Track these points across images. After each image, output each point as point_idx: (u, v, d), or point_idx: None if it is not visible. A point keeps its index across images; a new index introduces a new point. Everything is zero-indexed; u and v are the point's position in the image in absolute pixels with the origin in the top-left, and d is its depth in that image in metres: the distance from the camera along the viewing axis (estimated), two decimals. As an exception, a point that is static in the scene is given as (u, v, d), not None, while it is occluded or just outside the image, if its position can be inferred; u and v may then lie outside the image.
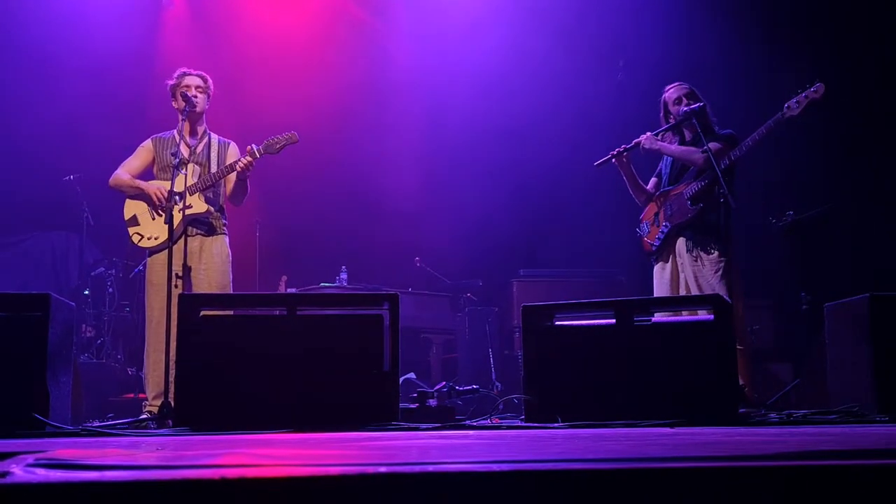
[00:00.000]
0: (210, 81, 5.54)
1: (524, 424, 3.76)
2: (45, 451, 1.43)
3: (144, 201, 5.35)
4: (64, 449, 1.64)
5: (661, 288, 5.32)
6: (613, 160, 5.44)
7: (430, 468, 1.09)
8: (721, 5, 8.20)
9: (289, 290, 8.55)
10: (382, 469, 1.07)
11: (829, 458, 1.22)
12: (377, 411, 3.66)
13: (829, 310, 4.65)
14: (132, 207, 5.41)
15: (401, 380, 3.91)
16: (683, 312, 4.86)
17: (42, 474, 1.04)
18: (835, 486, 1.17)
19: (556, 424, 3.64)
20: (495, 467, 1.09)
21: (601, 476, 1.10)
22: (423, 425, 3.70)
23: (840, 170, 7.42)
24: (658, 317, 4.36)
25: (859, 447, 1.55)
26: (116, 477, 1.01)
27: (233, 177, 5.39)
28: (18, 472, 1.05)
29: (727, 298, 4.26)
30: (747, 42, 7.95)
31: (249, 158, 5.25)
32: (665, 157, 5.49)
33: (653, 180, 5.59)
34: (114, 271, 8.26)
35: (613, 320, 3.98)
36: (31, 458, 1.23)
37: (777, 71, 7.25)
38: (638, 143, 5.39)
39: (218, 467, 1.11)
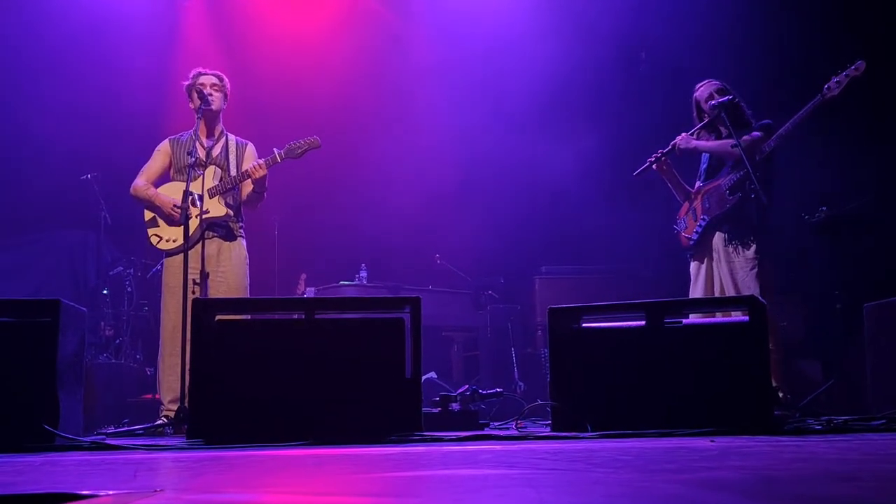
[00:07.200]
0: (226, 80, 5.47)
1: (552, 434, 3.60)
2: None
3: (161, 217, 5.26)
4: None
5: (696, 286, 5.17)
6: (654, 167, 5.28)
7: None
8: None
9: (308, 289, 8.46)
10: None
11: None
12: (399, 420, 3.52)
13: (868, 310, 4.47)
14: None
15: (422, 379, 3.76)
16: (717, 314, 4.69)
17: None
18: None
19: (585, 434, 3.49)
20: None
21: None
22: (448, 435, 3.56)
23: (876, 164, 7.17)
24: (691, 318, 4.19)
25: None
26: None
27: (249, 181, 5.30)
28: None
29: (760, 297, 4.10)
30: (783, 21, 7.70)
31: (263, 169, 5.14)
32: (703, 154, 5.33)
33: (697, 183, 5.41)
34: (132, 270, 8.22)
35: (643, 322, 3.81)
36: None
37: (815, 53, 6.98)
38: (674, 146, 5.24)
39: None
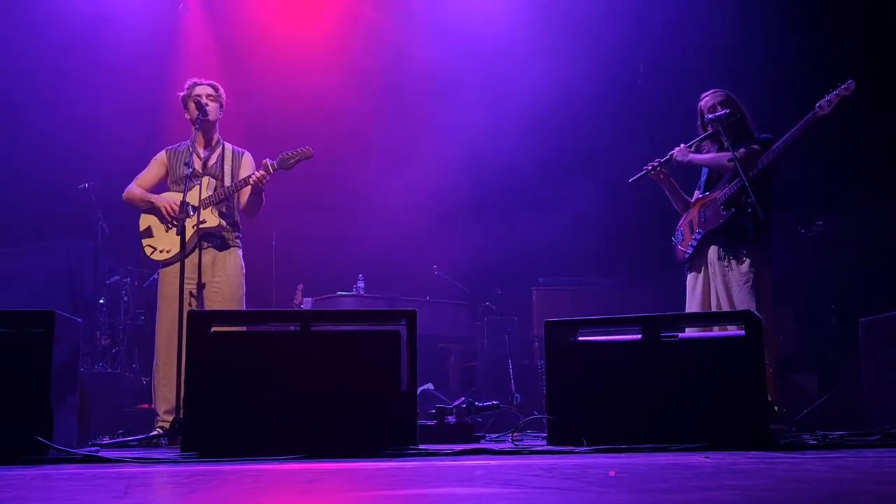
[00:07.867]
0: (221, 90, 5.45)
1: (547, 449, 3.59)
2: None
3: (156, 215, 5.26)
4: None
5: (692, 300, 5.15)
6: (651, 174, 5.27)
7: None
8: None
9: (305, 299, 8.45)
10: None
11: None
12: (394, 433, 3.51)
13: (864, 324, 4.47)
14: (147, 219, 5.34)
15: (418, 390, 3.75)
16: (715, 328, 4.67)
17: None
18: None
19: (580, 448, 3.48)
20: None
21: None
22: (443, 448, 3.56)
23: (873, 177, 7.17)
24: (687, 331, 4.18)
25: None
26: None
27: (247, 189, 5.29)
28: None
29: (755, 311, 4.09)
30: (778, 39, 7.71)
31: (263, 173, 5.14)
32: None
33: (696, 193, 5.39)
34: (129, 280, 8.20)
35: (640, 336, 3.81)
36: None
37: (810, 69, 6.98)
38: (671, 157, 5.23)
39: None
